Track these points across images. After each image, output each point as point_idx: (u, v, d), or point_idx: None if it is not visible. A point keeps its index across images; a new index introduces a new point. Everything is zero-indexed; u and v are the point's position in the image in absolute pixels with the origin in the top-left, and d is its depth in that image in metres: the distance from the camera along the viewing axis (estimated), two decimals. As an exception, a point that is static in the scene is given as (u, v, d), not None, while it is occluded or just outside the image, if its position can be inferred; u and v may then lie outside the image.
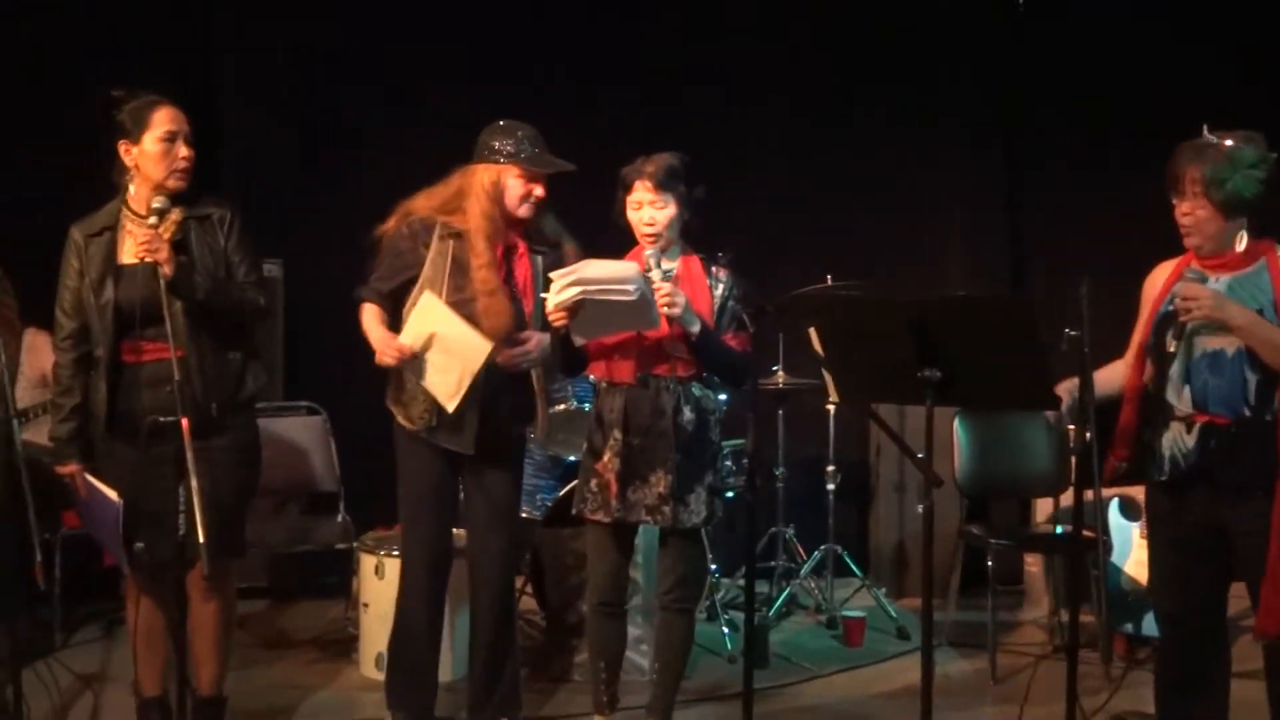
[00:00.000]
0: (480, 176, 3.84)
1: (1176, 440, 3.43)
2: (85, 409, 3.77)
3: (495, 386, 3.85)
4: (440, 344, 3.74)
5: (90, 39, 5.71)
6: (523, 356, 3.83)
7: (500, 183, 3.83)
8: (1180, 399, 3.42)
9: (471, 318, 3.74)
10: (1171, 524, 3.53)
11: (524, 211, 3.86)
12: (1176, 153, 3.37)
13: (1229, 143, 3.29)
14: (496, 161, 3.83)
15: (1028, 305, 3.47)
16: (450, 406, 3.76)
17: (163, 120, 3.71)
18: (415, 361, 3.76)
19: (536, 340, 3.84)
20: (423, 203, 3.92)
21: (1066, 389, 3.48)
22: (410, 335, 3.75)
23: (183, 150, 3.72)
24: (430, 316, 3.74)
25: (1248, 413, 3.33)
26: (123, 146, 3.73)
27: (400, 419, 3.94)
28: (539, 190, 3.85)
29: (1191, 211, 3.34)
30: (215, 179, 4.00)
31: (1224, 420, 3.34)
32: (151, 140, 3.70)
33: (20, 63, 5.61)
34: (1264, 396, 3.32)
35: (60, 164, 5.01)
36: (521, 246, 3.93)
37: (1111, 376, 3.69)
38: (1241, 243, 3.39)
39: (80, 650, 4.98)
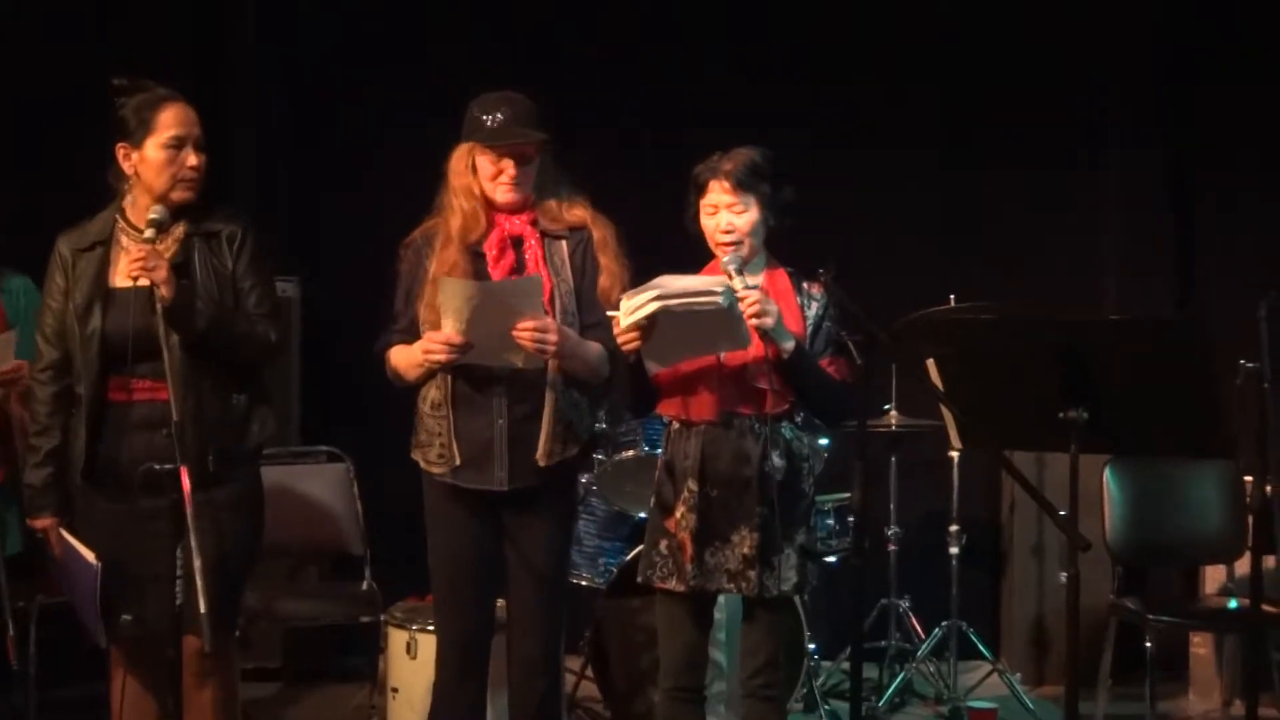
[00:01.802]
0: (452, 162, 3.86)
1: None
2: (64, 453, 3.78)
3: (528, 409, 3.82)
4: (486, 313, 3.64)
5: (91, 21, 5.79)
6: (539, 337, 3.63)
7: (471, 164, 3.83)
8: None
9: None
10: None
11: (500, 195, 3.82)
12: None
13: None
14: (467, 140, 3.84)
15: (1196, 328, 3.42)
16: (530, 361, 3.72)
17: (169, 123, 3.70)
18: (472, 348, 3.68)
19: (555, 325, 3.70)
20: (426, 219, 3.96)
21: None
22: (448, 325, 3.66)
23: (190, 158, 3.72)
24: (457, 296, 3.64)
25: None
26: (121, 150, 3.73)
27: (423, 465, 3.93)
28: (509, 169, 3.79)
29: None
30: (224, 182, 4.01)
31: None
32: (155, 146, 3.69)
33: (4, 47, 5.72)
34: None
35: (49, 159, 5.06)
36: (530, 234, 3.88)
37: None
38: None
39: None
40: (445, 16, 6.26)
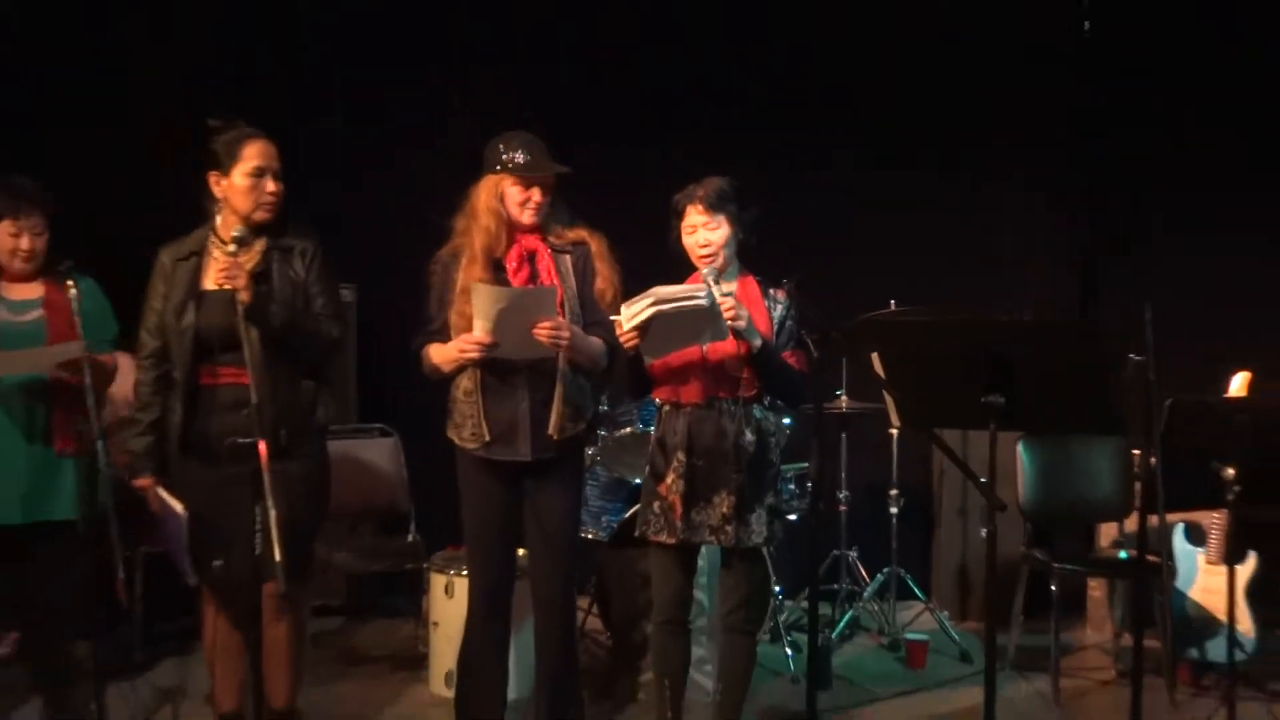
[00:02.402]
0: (479, 190, 3.85)
1: None
2: (162, 425, 3.78)
3: (544, 395, 3.82)
4: (510, 316, 3.65)
5: (180, 68, 5.77)
6: (555, 335, 3.66)
7: (499, 192, 3.82)
8: None
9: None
10: None
11: (527, 217, 3.83)
12: None
13: None
14: (495, 172, 3.82)
15: (1091, 328, 3.43)
16: (543, 353, 3.73)
17: (252, 155, 3.72)
18: (499, 346, 3.70)
19: (567, 324, 3.73)
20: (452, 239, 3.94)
21: None
22: (479, 327, 3.68)
23: (270, 185, 3.73)
24: (487, 302, 3.65)
25: None
26: (212, 177, 3.74)
27: (457, 441, 3.92)
28: (536, 195, 3.81)
29: None
30: (293, 203, 4.03)
31: None
32: (240, 174, 3.71)
33: (111, 90, 5.70)
34: None
35: (152, 186, 5.03)
36: (542, 249, 3.88)
37: None
38: None
39: (160, 666, 5.02)
40: (485, 48, 6.24)
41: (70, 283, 4.00)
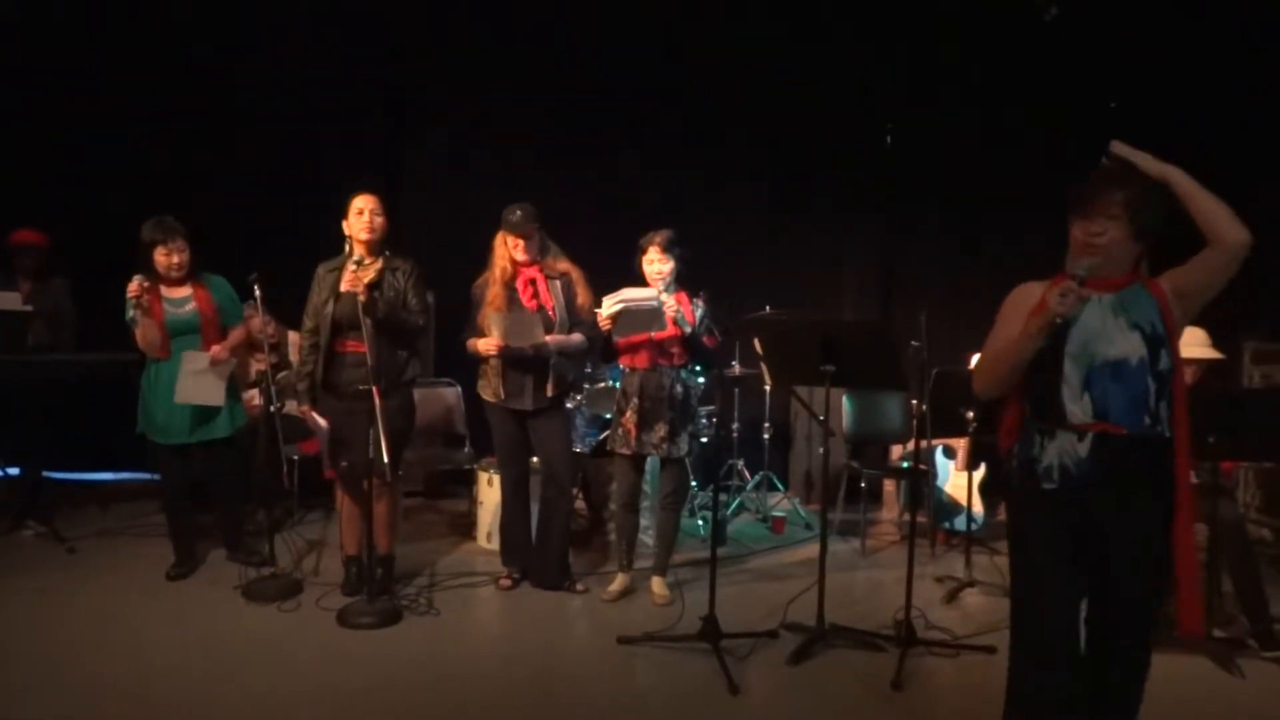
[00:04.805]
0: (496, 241, 3.85)
1: (1066, 450, 2.23)
2: (314, 374, 3.75)
3: (540, 369, 3.83)
4: (513, 327, 3.75)
5: (322, 152, 5.69)
6: (544, 343, 3.77)
7: (503, 241, 3.81)
8: (1079, 407, 2.21)
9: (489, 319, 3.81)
10: (1051, 529, 2.24)
11: (519, 256, 3.81)
12: (1094, 178, 2.22)
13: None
14: (502, 228, 3.82)
15: (885, 326, 3.45)
16: (537, 345, 3.75)
17: (356, 202, 3.71)
18: (507, 346, 3.76)
19: (553, 337, 3.79)
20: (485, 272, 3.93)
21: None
22: (495, 334, 3.78)
23: (365, 219, 3.69)
24: (495, 322, 3.76)
25: (1148, 421, 2.17)
26: (344, 223, 3.72)
27: (485, 395, 3.92)
28: (521, 244, 3.78)
29: (1104, 232, 2.20)
30: (400, 239, 3.99)
31: (1120, 431, 2.18)
32: (351, 214, 3.70)
33: (281, 170, 5.61)
34: (1160, 408, 2.18)
35: (308, 231, 4.96)
36: (540, 277, 3.87)
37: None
38: (1143, 266, 2.27)
39: (309, 525, 4.98)
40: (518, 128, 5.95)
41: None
